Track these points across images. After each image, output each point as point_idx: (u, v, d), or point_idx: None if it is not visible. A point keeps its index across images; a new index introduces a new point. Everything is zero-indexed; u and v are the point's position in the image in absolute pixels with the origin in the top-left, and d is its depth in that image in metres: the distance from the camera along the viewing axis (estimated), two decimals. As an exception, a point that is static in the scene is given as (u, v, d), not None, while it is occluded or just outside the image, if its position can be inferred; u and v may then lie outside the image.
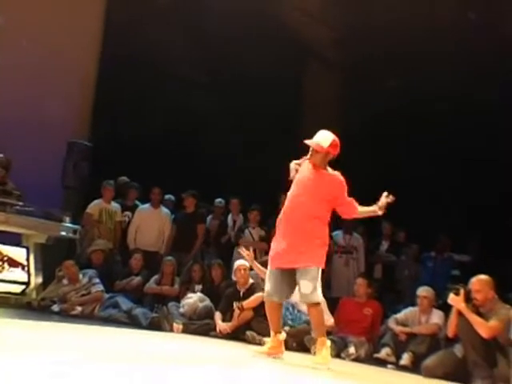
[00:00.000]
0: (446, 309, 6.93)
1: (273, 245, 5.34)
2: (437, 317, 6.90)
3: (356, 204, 5.34)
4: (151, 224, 8.91)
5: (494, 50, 9.19)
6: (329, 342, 5.23)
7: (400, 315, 7.07)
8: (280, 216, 5.33)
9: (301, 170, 5.32)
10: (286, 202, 5.33)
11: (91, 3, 10.23)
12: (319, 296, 5.15)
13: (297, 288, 5.22)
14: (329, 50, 10.48)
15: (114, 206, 9.06)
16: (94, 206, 8.95)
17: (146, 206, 9.11)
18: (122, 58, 10.03)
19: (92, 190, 9.24)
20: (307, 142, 5.20)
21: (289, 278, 5.18)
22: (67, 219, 8.02)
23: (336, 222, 8.82)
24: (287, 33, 10.03)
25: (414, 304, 7.20)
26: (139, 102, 10.17)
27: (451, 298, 5.91)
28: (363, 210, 5.38)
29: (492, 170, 9.29)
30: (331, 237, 8.82)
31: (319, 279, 5.15)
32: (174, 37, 9.74)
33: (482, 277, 5.89)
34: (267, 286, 5.28)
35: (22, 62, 9.18)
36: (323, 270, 8.57)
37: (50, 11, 9.59)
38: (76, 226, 8.15)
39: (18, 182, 7.77)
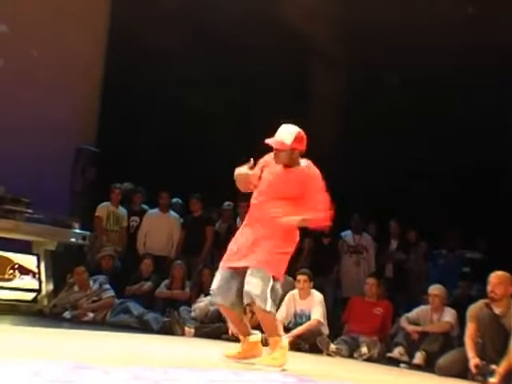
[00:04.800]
0: (457, 307, 6.94)
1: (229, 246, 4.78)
2: (449, 315, 6.88)
3: (320, 208, 4.53)
4: (160, 228, 8.93)
5: (494, 44, 9.16)
6: (285, 342, 4.68)
7: (412, 314, 7.05)
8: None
9: (267, 168, 4.74)
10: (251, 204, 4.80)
11: (96, 11, 10.27)
12: (269, 306, 4.49)
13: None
14: (331, 46, 10.46)
15: (122, 210, 9.08)
16: (102, 209, 8.99)
17: (155, 210, 9.12)
18: (128, 64, 10.05)
19: (100, 195, 9.27)
20: (268, 141, 4.64)
21: (240, 279, 4.58)
22: (76, 225, 8.04)
23: (345, 221, 8.92)
24: (289, 30, 10.02)
25: (424, 302, 7.19)
26: (146, 107, 10.17)
27: None
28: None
29: (502, 168, 9.26)
30: (340, 236, 8.88)
31: (269, 290, 4.49)
32: (181, 39, 9.73)
33: (502, 272, 5.86)
34: (212, 284, 4.71)
35: (29, 70, 9.22)
36: (334, 270, 8.71)
37: (57, 21, 9.64)
38: (85, 232, 8.17)
39: (27, 189, 7.78)
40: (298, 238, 4.75)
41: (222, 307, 4.74)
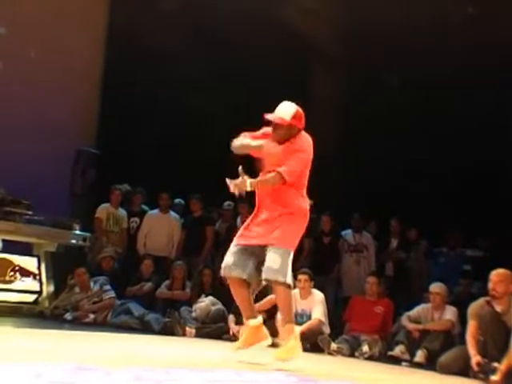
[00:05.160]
0: (458, 305, 6.94)
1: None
2: (450, 313, 6.88)
3: (284, 174, 4.59)
4: (160, 229, 8.93)
5: (494, 44, 9.16)
6: (297, 330, 4.72)
7: (413, 312, 7.06)
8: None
9: (265, 147, 4.81)
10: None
11: (95, 11, 10.29)
12: (289, 279, 4.56)
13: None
14: (331, 46, 10.46)
15: (121, 211, 9.09)
16: (102, 210, 8.99)
17: (155, 211, 9.12)
18: (128, 64, 10.05)
19: (100, 196, 9.27)
20: (268, 116, 4.75)
21: (254, 256, 4.64)
22: (77, 227, 8.05)
23: (346, 220, 8.93)
24: (289, 30, 10.02)
25: (425, 301, 7.20)
26: (146, 107, 10.17)
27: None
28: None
29: (502, 168, 9.25)
30: (341, 235, 8.89)
31: (290, 263, 4.59)
32: (181, 39, 9.73)
33: (503, 270, 5.86)
34: (225, 260, 4.72)
35: (29, 71, 9.22)
36: (334, 269, 8.71)
37: (56, 22, 9.66)
38: (86, 234, 8.17)
39: (27, 191, 7.78)
40: (308, 213, 4.74)
41: (238, 282, 4.68)
